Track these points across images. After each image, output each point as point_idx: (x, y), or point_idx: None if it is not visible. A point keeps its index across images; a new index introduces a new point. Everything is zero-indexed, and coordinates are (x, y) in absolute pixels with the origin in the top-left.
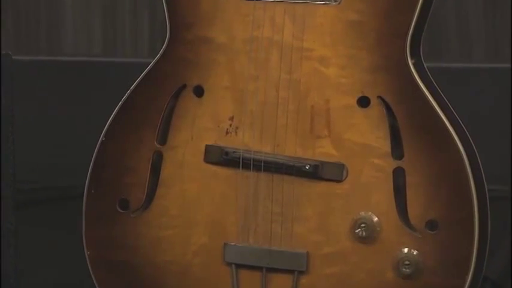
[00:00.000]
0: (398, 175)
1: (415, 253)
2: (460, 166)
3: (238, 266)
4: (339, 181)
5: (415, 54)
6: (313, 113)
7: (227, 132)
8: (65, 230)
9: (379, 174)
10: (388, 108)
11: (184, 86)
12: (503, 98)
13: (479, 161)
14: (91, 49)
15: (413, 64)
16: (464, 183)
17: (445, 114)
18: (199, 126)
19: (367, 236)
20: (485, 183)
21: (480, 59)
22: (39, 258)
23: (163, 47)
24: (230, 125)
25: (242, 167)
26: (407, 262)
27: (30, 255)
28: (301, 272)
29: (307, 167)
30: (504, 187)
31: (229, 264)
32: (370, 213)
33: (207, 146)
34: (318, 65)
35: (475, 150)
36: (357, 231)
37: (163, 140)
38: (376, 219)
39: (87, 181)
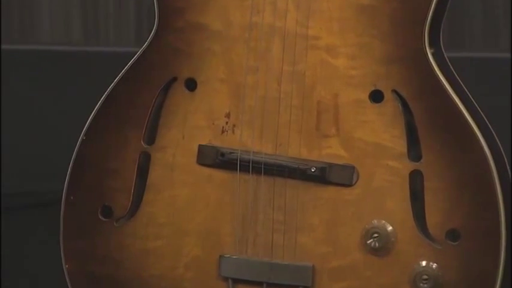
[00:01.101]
0: (416, 179)
1: (434, 266)
2: (484, 169)
3: (236, 281)
4: (349, 185)
5: (434, 43)
6: (319, 109)
7: (223, 131)
8: (39, 240)
9: (394, 177)
10: (404, 104)
11: (174, 79)
12: None
13: (507, 162)
14: (70, 37)
15: (433, 54)
16: (489, 188)
17: (468, 111)
18: (192, 124)
19: (380, 247)
20: None
21: (508, 48)
22: (11, 272)
23: (151, 35)
24: (226, 123)
25: (240, 170)
26: (425, 276)
27: (3, 269)
28: None
29: (312, 170)
30: None
31: (225, 279)
32: (383, 221)
33: (200, 146)
34: (325, 55)
35: (502, 150)
36: (369, 241)
37: (151, 139)
38: (390, 228)
39: (65, 186)
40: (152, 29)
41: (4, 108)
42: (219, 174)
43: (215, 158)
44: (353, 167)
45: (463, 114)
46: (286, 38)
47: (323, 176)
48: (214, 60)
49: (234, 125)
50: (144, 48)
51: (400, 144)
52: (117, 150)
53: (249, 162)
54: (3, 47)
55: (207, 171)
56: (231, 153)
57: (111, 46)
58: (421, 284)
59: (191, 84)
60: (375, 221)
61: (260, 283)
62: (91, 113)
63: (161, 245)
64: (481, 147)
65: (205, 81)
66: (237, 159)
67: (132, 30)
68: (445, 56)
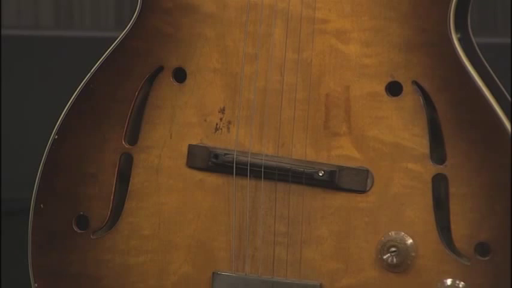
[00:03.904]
0: (440, 184)
1: (461, 285)
2: None
3: None
4: (362, 192)
5: (461, 27)
6: (328, 104)
7: (216, 129)
8: (4, 255)
9: (415, 183)
10: (426, 97)
11: (161, 69)
12: None
13: None
14: (39, 20)
15: (459, 40)
16: None
17: (500, 105)
18: (181, 120)
19: (398, 263)
20: None
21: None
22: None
23: (134, 17)
24: (220, 119)
25: (236, 174)
26: None
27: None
28: None
29: (320, 174)
30: None
31: None
32: (402, 233)
33: (190, 146)
34: (335, 40)
35: None
36: (385, 257)
37: (133, 138)
38: (410, 241)
39: (34, 192)
40: (135, 11)
41: None
42: (212, 179)
43: (207, 160)
44: (367, 171)
45: (494, 109)
46: (290, 21)
47: (332, 180)
48: (206, 46)
49: (229, 122)
50: (126, 33)
51: (422, 144)
52: (95, 151)
53: (246, 165)
54: None
55: (198, 175)
56: (225, 154)
57: (86, 30)
58: None
59: (180, 75)
60: (393, 233)
61: None
62: (64, 108)
63: (145, 260)
64: None
65: (196, 71)
66: (232, 162)
67: (112, 11)
68: (474, 42)
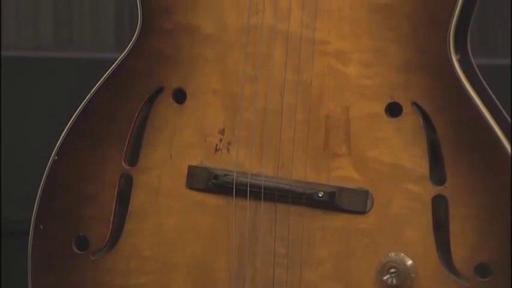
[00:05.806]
0: (439, 205)
1: None
2: None
3: None
4: (362, 213)
5: (460, 48)
6: (328, 125)
7: (216, 150)
8: (4, 276)
9: (414, 204)
10: (426, 118)
11: (160, 90)
12: None
13: None
14: (39, 41)
15: (459, 61)
16: None
17: (499, 126)
18: (180, 141)
19: (398, 284)
20: None
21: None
22: None
23: (134, 38)
24: (220, 140)
25: (236, 195)
26: None
27: None
28: None
29: (320, 195)
30: None
31: None
32: (402, 254)
33: (190, 167)
34: (335, 61)
35: None
36: (385, 278)
37: (133, 159)
38: (410, 262)
39: (34, 213)
40: (135, 32)
41: None
42: (211, 200)
43: (207, 181)
44: (367, 192)
45: (494, 130)
46: (290, 42)
47: (332, 201)
48: (206, 67)
49: (229, 143)
50: (126, 54)
51: (421, 165)
52: (94, 172)
53: (246, 185)
54: None
55: (198, 196)
56: (225, 175)
57: (86, 51)
58: None
59: (180, 96)
60: (392, 254)
61: None
62: (64, 129)
63: (145, 281)
64: None
65: (196, 92)
66: (232, 183)
67: (112, 32)
68: (473, 63)
